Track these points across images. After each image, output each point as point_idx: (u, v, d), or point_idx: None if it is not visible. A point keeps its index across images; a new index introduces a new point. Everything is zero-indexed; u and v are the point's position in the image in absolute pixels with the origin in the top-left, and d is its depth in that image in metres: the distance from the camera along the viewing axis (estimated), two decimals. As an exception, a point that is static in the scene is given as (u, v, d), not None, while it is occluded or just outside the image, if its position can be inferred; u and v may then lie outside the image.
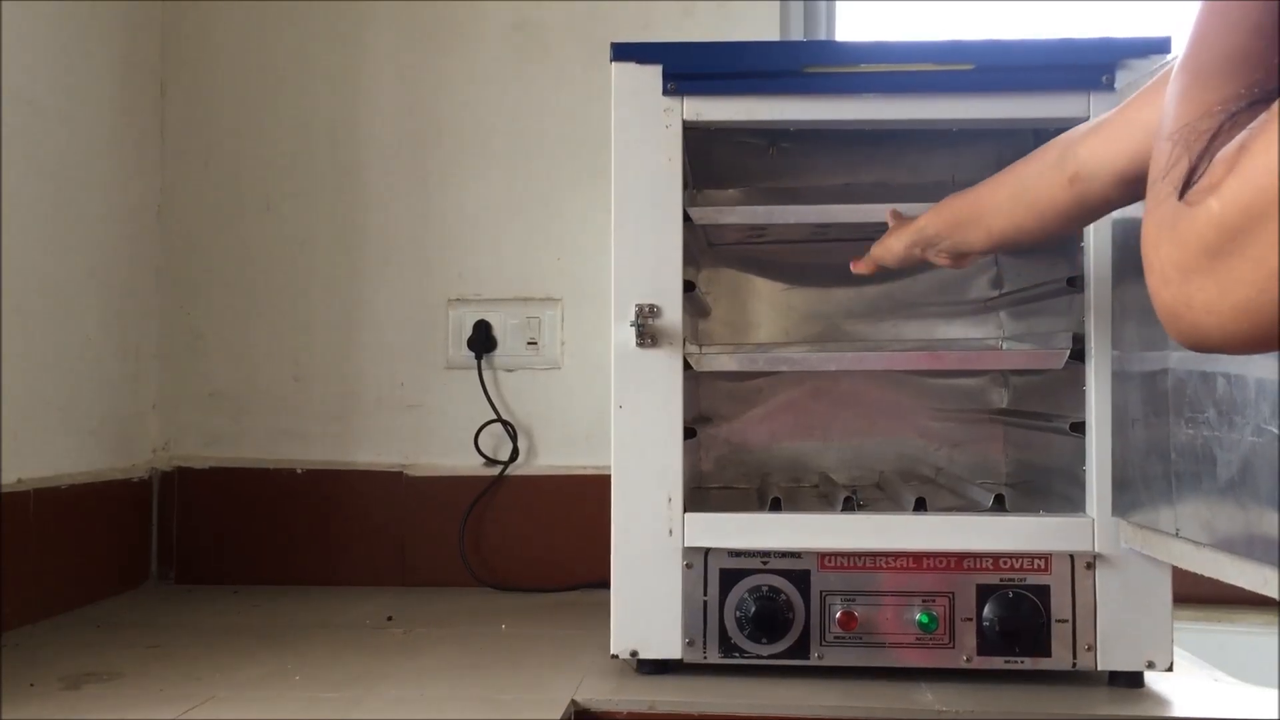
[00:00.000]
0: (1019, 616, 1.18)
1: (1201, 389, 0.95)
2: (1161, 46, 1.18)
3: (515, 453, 1.76)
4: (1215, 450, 0.93)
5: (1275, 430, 0.84)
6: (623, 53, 1.22)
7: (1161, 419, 1.03)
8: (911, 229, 1.14)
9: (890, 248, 1.18)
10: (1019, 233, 1.02)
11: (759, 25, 1.75)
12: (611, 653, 1.21)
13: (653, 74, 1.21)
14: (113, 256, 1.68)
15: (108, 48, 1.67)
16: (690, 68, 1.22)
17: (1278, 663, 1.53)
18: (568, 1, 1.78)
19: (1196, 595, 1.62)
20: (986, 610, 1.18)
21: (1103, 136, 0.89)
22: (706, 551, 1.21)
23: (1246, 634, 1.59)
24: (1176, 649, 1.19)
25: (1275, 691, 1.19)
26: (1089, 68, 1.19)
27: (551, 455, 1.77)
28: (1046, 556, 1.19)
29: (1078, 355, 1.20)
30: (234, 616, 1.54)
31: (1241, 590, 1.60)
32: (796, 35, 1.78)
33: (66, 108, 1.56)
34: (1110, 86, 1.18)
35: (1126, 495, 1.13)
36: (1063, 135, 0.97)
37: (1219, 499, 0.93)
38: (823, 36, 1.81)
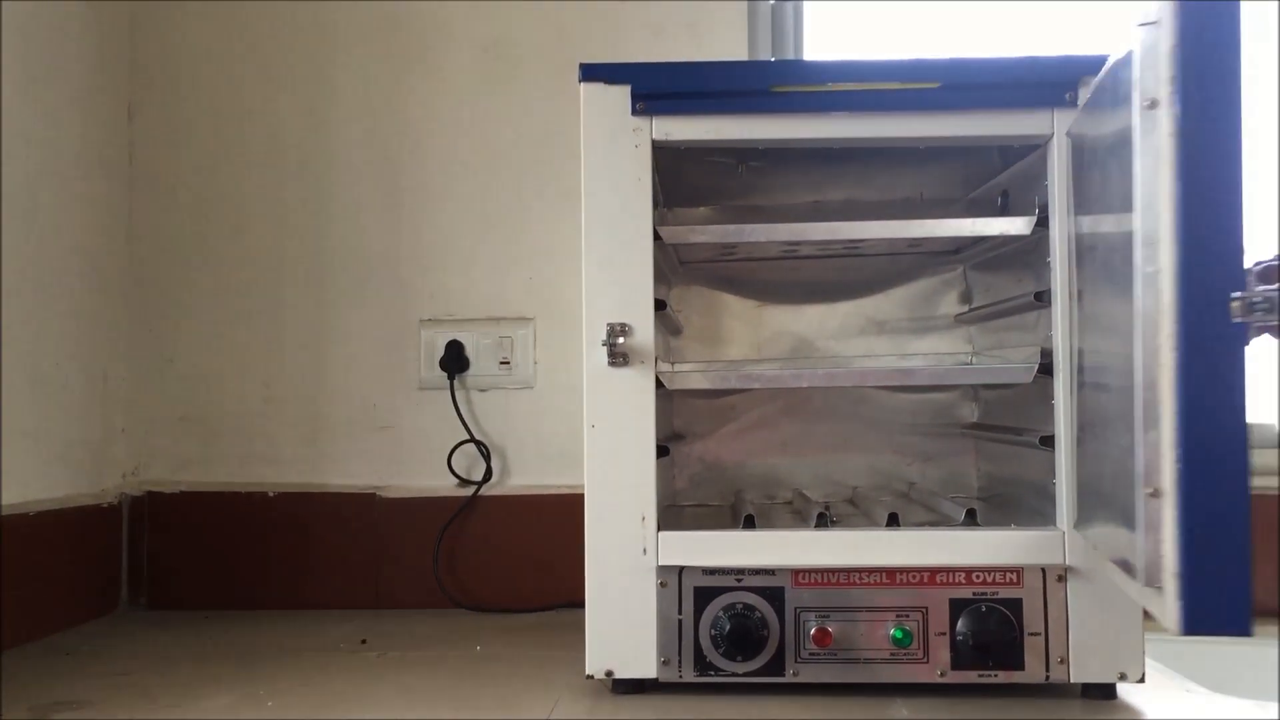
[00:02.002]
0: (992, 630, 1.18)
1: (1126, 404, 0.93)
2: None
3: (489, 473, 1.75)
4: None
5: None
6: (591, 73, 1.23)
7: (1104, 434, 1.03)
8: None
9: None
10: None
11: (727, 45, 1.76)
12: (586, 673, 1.20)
13: (621, 94, 1.22)
14: (81, 280, 1.67)
15: (74, 71, 1.67)
16: (659, 88, 1.22)
17: (1278, 676, 1.55)
18: (536, 23, 1.78)
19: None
20: (960, 624, 1.19)
21: None
22: (681, 570, 1.21)
23: (1218, 645, 1.60)
24: (1149, 660, 1.20)
25: (1247, 702, 1.20)
26: (1052, 85, 1.20)
27: (525, 475, 1.76)
28: (1018, 570, 1.19)
29: (1046, 369, 1.22)
30: (206, 642, 1.53)
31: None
32: (764, 55, 1.80)
33: (33, 131, 1.55)
34: (1073, 104, 1.19)
35: (1081, 509, 1.14)
36: None
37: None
38: (790, 56, 1.82)
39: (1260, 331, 0.83)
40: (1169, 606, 0.78)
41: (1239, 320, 0.81)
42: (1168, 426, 0.80)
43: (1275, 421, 1.78)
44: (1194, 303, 0.81)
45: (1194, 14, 0.83)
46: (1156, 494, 0.81)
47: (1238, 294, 0.80)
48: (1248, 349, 0.81)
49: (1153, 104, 0.84)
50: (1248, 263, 0.87)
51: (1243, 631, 0.79)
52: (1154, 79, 0.84)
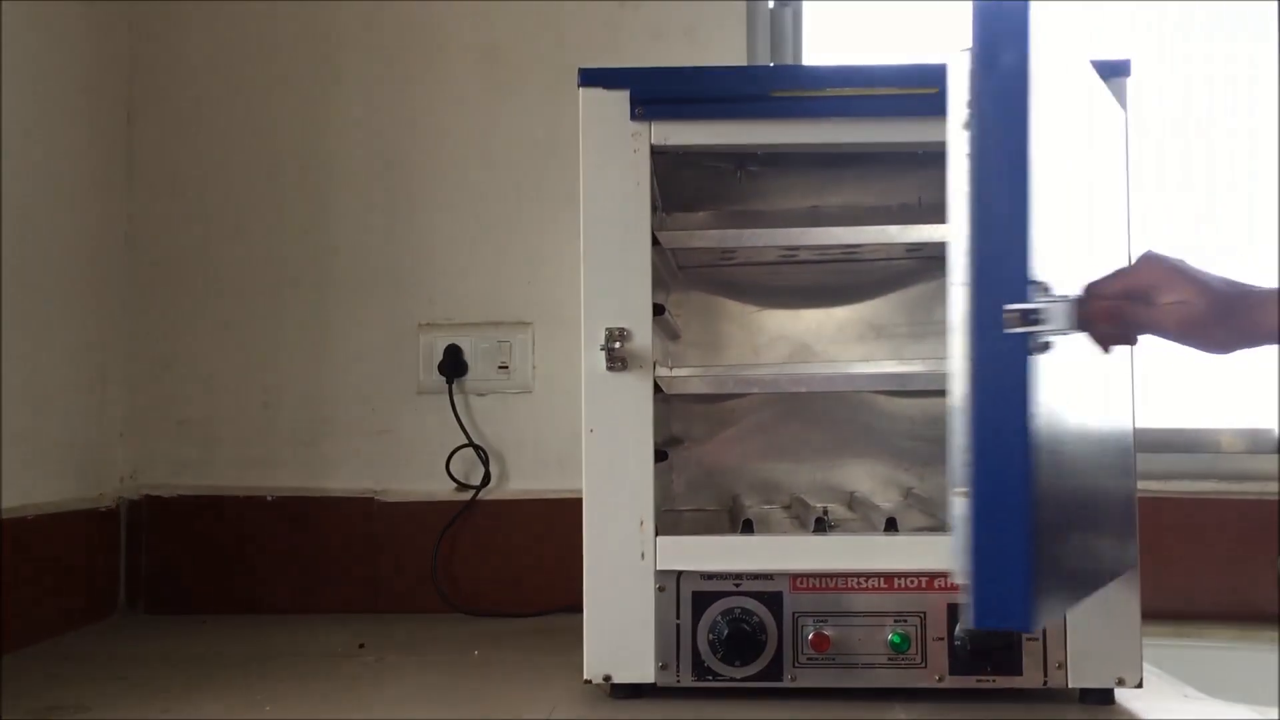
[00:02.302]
0: (990, 635, 1.18)
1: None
2: (1121, 69, 1.20)
3: (487, 477, 1.75)
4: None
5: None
6: (591, 78, 1.23)
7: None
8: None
9: (1243, 336, 0.91)
10: None
11: (726, 50, 1.76)
12: (585, 677, 1.20)
13: (620, 99, 1.22)
14: (80, 284, 1.67)
15: (74, 75, 1.67)
16: (658, 93, 1.22)
17: (1278, 680, 1.55)
18: (536, 28, 1.78)
19: (1165, 611, 1.64)
20: (958, 629, 1.19)
21: None
22: (679, 574, 1.21)
23: (1215, 649, 1.60)
24: (1146, 665, 1.19)
25: (1245, 707, 1.20)
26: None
27: (523, 479, 1.76)
28: (1016, 575, 1.19)
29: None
30: (204, 647, 1.53)
31: (1211, 606, 1.62)
32: (763, 59, 1.80)
33: (33, 134, 1.55)
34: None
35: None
36: None
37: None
38: (789, 60, 1.83)
39: (1042, 344, 0.84)
40: (965, 599, 0.84)
41: (1015, 331, 0.83)
42: (960, 432, 0.85)
43: (1275, 426, 1.78)
44: (979, 316, 0.85)
45: (988, 42, 0.86)
46: (962, 495, 0.85)
47: (1012, 306, 0.83)
48: (1039, 359, 0.84)
49: (963, 125, 0.87)
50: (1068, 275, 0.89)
51: (1023, 627, 0.84)
52: (959, 102, 0.87)
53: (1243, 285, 0.90)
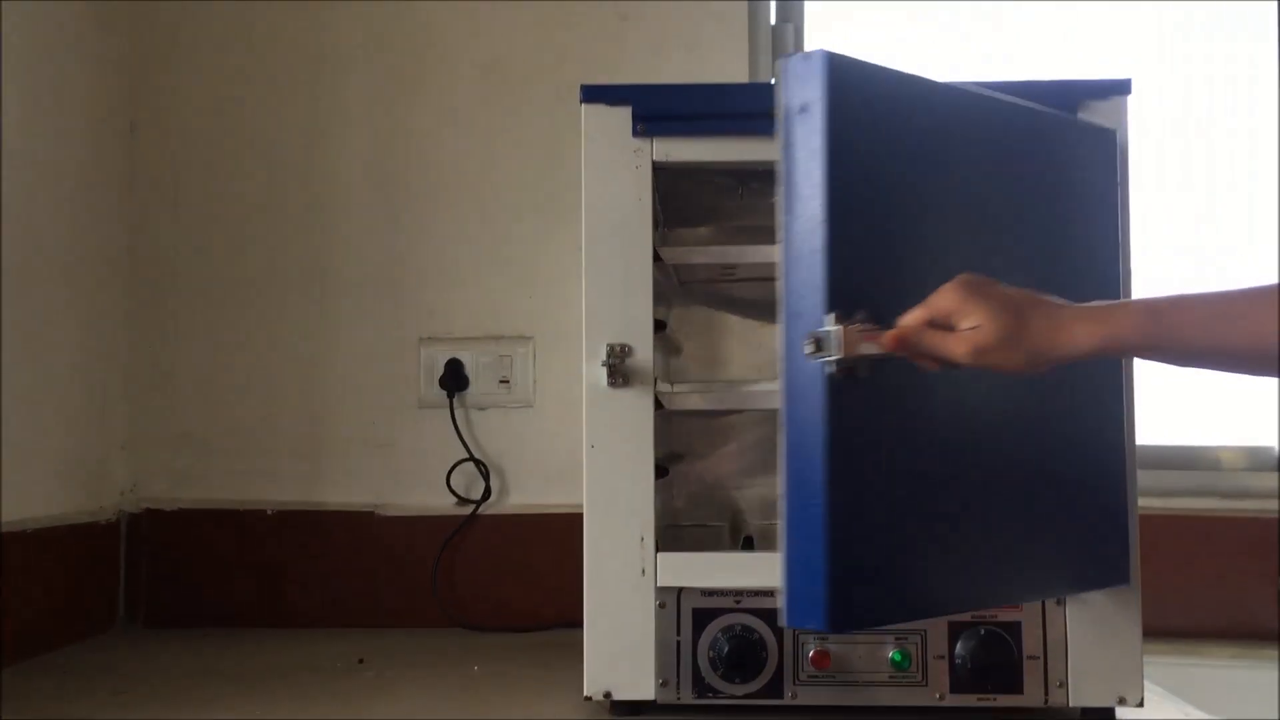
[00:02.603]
0: (991, 653, 1.18)
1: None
2: (1122, 88, 1.20)
3: (487, 492, 1.75)
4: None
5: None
6: (593, 95, 1.23)
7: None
8: (1087, 343, 0.90)
9: (1036, 357, 0.91)
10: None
11: (728, 66, 1.76)
12: (585, 694, 1.20)
13: (622, 115, 1.22)
14: (81, 296, 1.67)
15: (78, 85, 1.67)
16: (659, 109, 1.23)
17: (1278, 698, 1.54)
18: (537, 43, 1.79)
19: (1167, 629, 1.63)
20: (959, 647, 1.19)
21: None
22: (679, 591, 1.21)
23: (1217, 668, 1.60)
24: (1147, 684, 1.19)
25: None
26: (1051, 109, 1.20)
27: (524, 494, 1.76)
28: (1017, 593, 1.19)
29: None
30: (203, 660, 1.52)
31: (1212, 624, 1.62)
32: (765, 76, 1.80)
33: (35, 144, 1.56)
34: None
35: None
36: None
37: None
38: (791, 77, 1.82)
39: (843, 370, 0.91)
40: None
41: (812, 358, 0.91)
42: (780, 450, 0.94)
43: (1275, 444, 1.78)
44: (790, 342, 0.93)
45: (791, 97, 0.96)
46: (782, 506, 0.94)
47: (810, 333, 0.91)
48: (840, 386, 0.91)
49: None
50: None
51: (822, 627, 0.92)
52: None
53: (1044, 302, 0.92)
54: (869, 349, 0.91)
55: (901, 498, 0.96)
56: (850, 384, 0.91)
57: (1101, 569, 1.15)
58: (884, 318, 0.93)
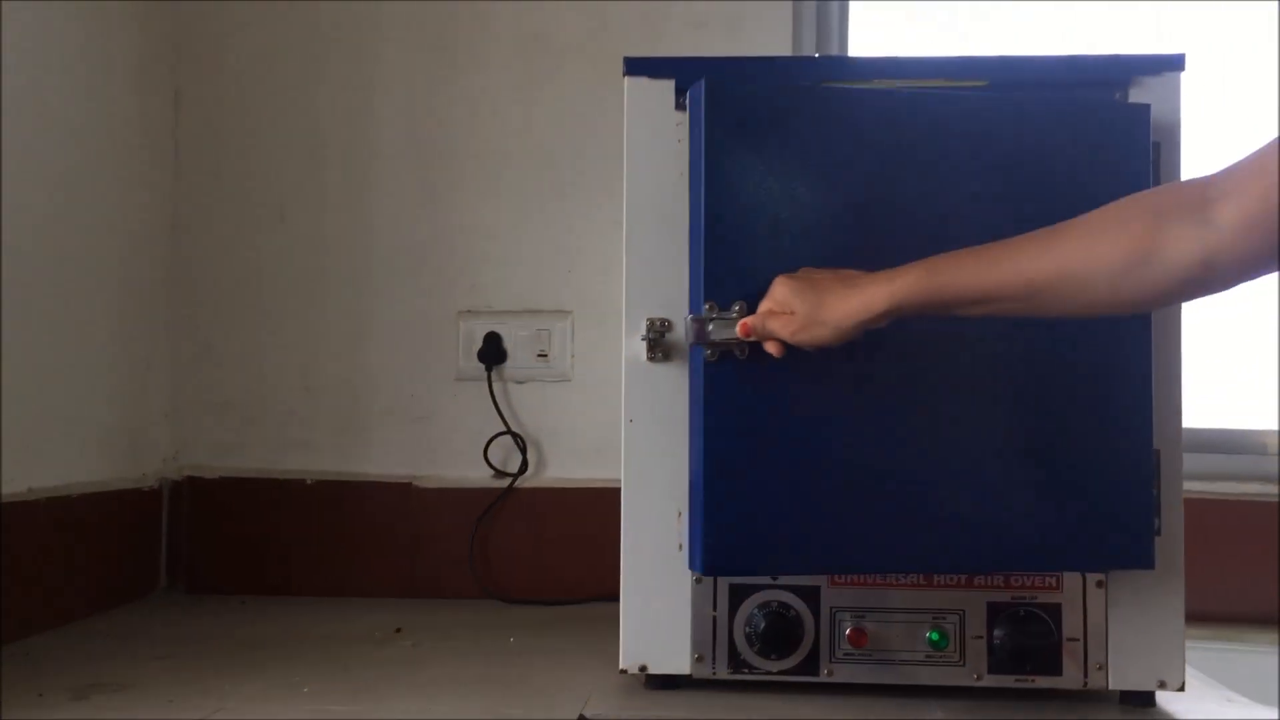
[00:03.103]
0: (1030, 635, 1.17)
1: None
2: (1175, 63, 1.18)
3: (524, 465, 1.76)
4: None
5: None
6: (636, 67, 1.22)
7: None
8: (869, 307, 1.00)
9: (838, 328, 1.02)
10: (1044, 314, 0.96)
11: (770, 43, 1.75)
12: (620, 667, 1.20)
13: (665, 89, 1.21)
14: (124, 266, 1.69)
15: (123, 56, 1.68)
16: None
17: (1278, 682, 1.53)
18: (578, 17, 1.78)
19: (1209, 614, 1.62)
20: (997, 628, 1.18)
21: (1227, 236, 0.85)
22: (717, 566, 1.20)
23: (1260, 654, 1.58)
24: (1189, 668, 1.18)
25: (1288, 712, 1.19)
26: (1102, 84, 1.18)
27: (561, 468, 1.77)
28: (1058, 575, 1.18)
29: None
30: (243, 627, 1.54)
31: (1255, 610, 1.60)
32: (808, 50, 1.79)
33: (80, 115, 1.57)
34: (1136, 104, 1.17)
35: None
36: (1129, 219, 0.90)
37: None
38: (835, 52, 1.81)
39: (718, 353, 1.08)
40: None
41: (692, 343, 1.11)
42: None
43: (1275, 428, 1.75)
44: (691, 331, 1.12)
45: (694, 116, 1.14)
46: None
47: (687, 317, 1.11)
48: (712, 367, 1.09)
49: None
50: None
51: (702, 570, 1.10)
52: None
53: (845, 277, 1.03)
54: (723, 335, 1.07)
55: (780, 463, 1.09)
56: (725, 365, 1.08)
57: (1116, 550, 1.13)
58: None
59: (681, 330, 1.18)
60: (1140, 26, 1.85)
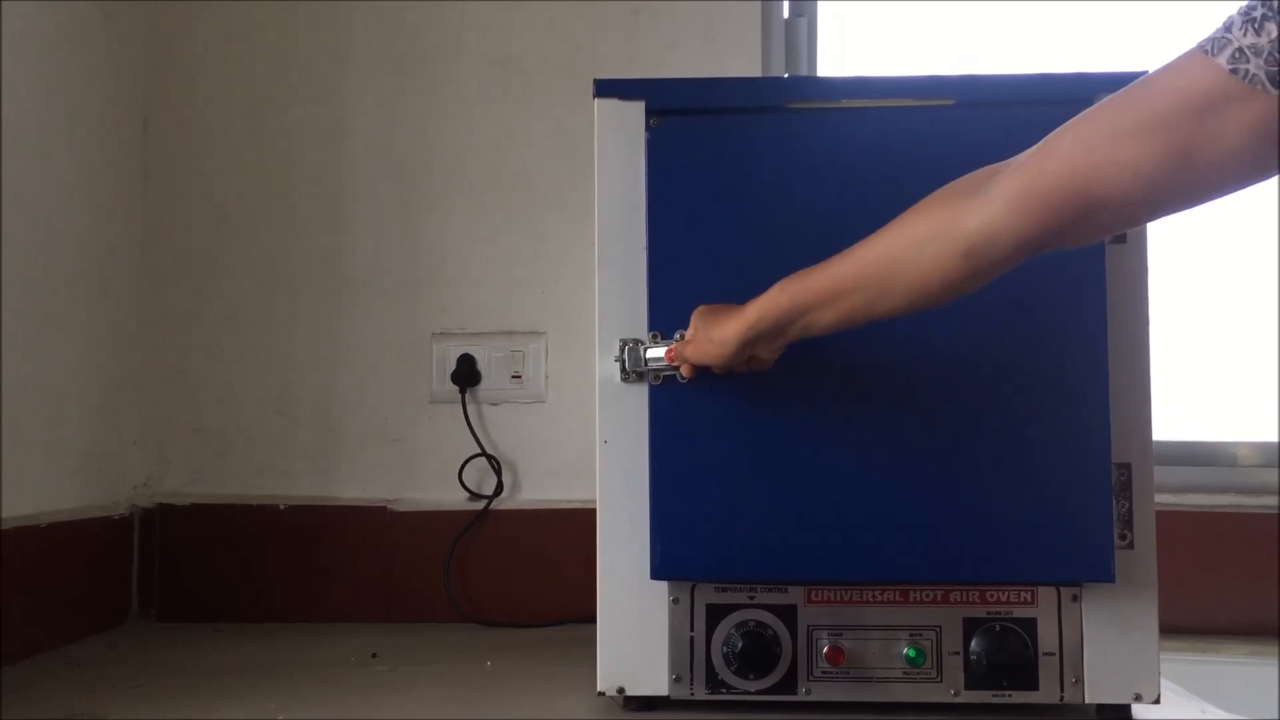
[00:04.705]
0: (1006, 650, 1.17)
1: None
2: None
3: (500, 487, 1.75)
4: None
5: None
6: (606, 89, 1.23)
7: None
8: (743, 321, 1.07)
9: (723, 344, 1.09)
10: (885, 310, 1.00)
11: (741, 62, 1.76)
12: (598, 689, 1.20)
13: (636, 109, 1.22)
14: (94, 291, 1.68)
15: (92, 81, 1.67)
16: (674, 103, 1.22)
17: (1278, 692, 1.54)
18: (551, 38, 1.79)
19: (1183, 626, 1.63)
20: (974, 644, 1.18)
21: (999, 209, 0.89)
22: (693, 586, 1.20)
23: (1234, 665, 1.59)
24: (1164, 681, 1.18)
25: (1263, 723, 1.19)
26: (1066, 103, 1.19)
27: (536, 489, 1.76)
28: (1033, 589, 1.18)
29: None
30: (217, 655, 1.53)
31: (1228, 621, 1.61)
32: (778, 72, 1.80)
33: (49, 141, 1.56)
34: (1089, 121, 1.18)
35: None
36: (936, 200, 0.96)
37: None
38: (804, 72, 1.82)
39: (661, 377, 1.18)
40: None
41: (630, 369, 1.19)
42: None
43: (1276, 438, 1.77)
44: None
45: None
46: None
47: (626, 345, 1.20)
48: (657, 390, 1.18)
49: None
50: None
51: (651, 576, 1.18)
52: None
53: (731, 307, 1.10)
54: (655, 362, 1.17)
55: (720, 475, 1.16)
56: (668, 388, 1.18)
57: (1077, 563, 1.14)
58: None
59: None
60: (1117, 38, 1.87)
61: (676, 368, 1.16)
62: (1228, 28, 0.77)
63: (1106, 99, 0.87)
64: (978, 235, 0.90)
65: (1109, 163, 0.82)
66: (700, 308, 1.14)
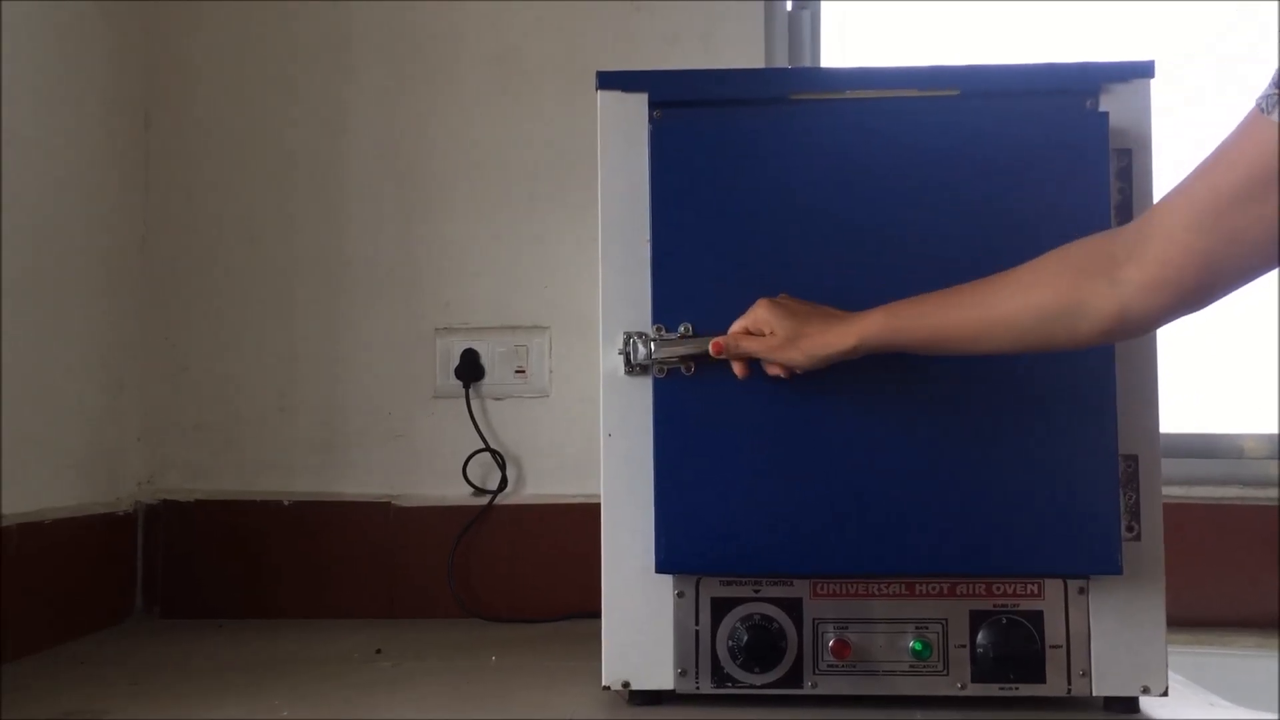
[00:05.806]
0: (1013, 643, 1.17)
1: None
2: (1145, 70, 1.19)
3: (504, 482, 1.75)
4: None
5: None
6: (608, 81, 1.22)
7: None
8: (844, 345, 1.08)
9: (812, 358, 1.10)
10: (1000, 352, 1.06)
11: (743, 55, 1.75)
12: (603, 684, 1.19)
13: (638, 102, 1.21)
14: (97, 288, 1.67)
15: (92, 79, 1.67)
16: (676, 96, 1.21)
17: (1279, 685, 1.53)
18: (550, 33, 1.78)
19: (1191, 619, 1.62)
20: (980, 637, 1.18)
21: (1133, 297, 0.94)
22: (698, 580, 1.20)
23: (1242, 658, 1.58)
24: (1171, 673, 1.18)
25: (1272, 716, 1.19)
26: (1073, 93, 1.19)
27: (540, 484, 1.76)
28: (1039, 581, 1.18)
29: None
30: (220, 651, 1.52)
31: (1235, 613, 1.61)
32: (781, 64, 1.79)
33: (50, 139, 1.56)
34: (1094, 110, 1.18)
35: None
36: (1053, 270, 1.00)
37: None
38: (807, 65, 1.82)
39: (666, 370, 1.17)
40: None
41: (638, 362, 1.18)
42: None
43: (1276, 430, 1.76)
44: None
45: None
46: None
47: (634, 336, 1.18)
48: (662, 382, 1.17)
49: None
50: None
51: (657, 570, 1.17)
52: None
53: (822, 313, 1.11)
54: (675, 352, 1.15)
55: (726, 469, 1.15)
56: (674, 380, 1.16)
57: (1084, 556, 1.14)
58: (717, 326, 1.15)
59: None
60: (1123, 30, 1.86)
61: (694, 358, 1.15)
62: (1277, 84, 0.83)
63: (1191, 177, 0.90)
64: (1114, 322, 0.96)
65: (1225, 241, 0.88)
66: (771, 303, 1.12)
